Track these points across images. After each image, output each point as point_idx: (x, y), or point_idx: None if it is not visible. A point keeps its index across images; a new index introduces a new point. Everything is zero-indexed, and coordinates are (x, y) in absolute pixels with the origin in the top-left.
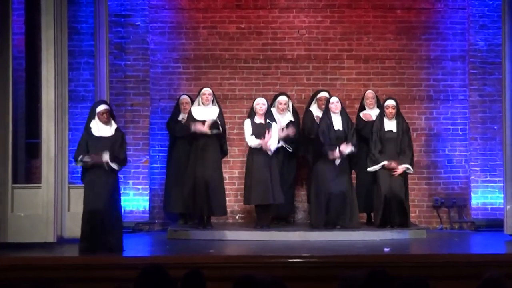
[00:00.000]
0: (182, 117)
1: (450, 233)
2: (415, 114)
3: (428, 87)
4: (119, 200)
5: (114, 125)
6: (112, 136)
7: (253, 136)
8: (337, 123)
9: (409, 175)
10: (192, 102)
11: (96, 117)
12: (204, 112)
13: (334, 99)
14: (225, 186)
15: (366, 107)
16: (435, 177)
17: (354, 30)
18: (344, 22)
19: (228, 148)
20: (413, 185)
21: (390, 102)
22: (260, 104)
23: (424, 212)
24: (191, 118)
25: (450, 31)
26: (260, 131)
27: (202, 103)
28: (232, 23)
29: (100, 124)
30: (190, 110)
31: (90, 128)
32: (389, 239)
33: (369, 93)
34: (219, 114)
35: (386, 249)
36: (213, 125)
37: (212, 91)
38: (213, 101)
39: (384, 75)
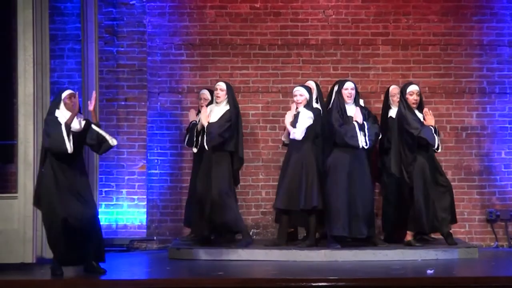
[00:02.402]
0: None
1: (507, 252)
2: (465, 110)
3: (480, 78)
4: (93, 201)
5: (81, 117)
6: (82, 129)
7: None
8: (351, 112)
9: (458, 184)
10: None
11: (61, 105)
12: (214, 112)
13: (349, 85)
14: (237, 197)
15: (392, 105)
16: (489, 185)
17: (391, 10)
18: (378, 0)
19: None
20: (462, 195)
21: (415, 88)
22: (298, 95)
23: (476, 227)
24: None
25: (507, 11)
26: (292, 123)
27: (215, 100)
28: (244, 2)
29: (67, 113)
30: (199, 110)
31: (56, 117)
32: (433, 259)
33: (395, 88)
34: (223, 118)
35: (429, 271)
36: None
37: (228, 86)
38: (227, 99)
39: (427, 64)
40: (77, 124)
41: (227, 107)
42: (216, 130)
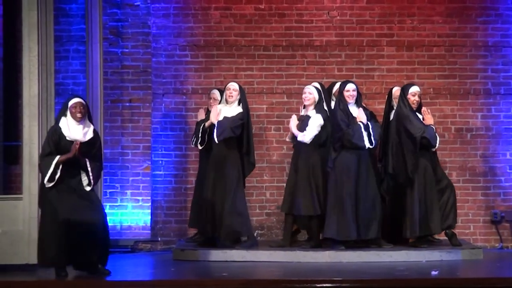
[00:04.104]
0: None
1: None
2: (469, 112)
3: (485, 79)
4: (99, 205)
5: (90, 129)
6: (86, 142)
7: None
8: (354, 113)
9: (462, 185)
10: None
11: (68, 112)
12: (223, 112)
13: (350, 86)
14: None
15: (395, 107)
16: (493, 186)
17: (396, 11)
18: (383, 1)
19: None
20: (467, 196)
21: (417, 89)
22: (307, 93)
23: (481, 228)
24: (205, 120)
25: None
26: (300, 125)
27: (226, 100)
28: (249, 3)
29: (72, 123)
30: (208, 109)
31: (60, 128)
32: (437, 260)
33: (399, 90)
34: (237, 116)
35: (434, 272)
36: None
37: (240, 87)
38: (239, 100)
39: (432, 65)
40: (80, 135)
41: (239, 109)
42: (229, 124)
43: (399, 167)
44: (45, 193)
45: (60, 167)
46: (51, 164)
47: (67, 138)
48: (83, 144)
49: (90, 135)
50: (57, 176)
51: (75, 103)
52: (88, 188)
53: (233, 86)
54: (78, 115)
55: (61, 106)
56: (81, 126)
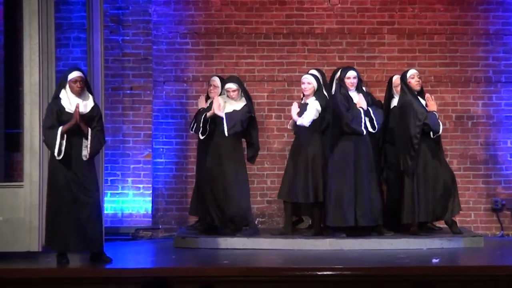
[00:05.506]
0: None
1: None
2: (471, 100)
3: (486, 67)
4: (97, 186)
5: (90, 101)
6: (86, 114)
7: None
8: (355, 99)
9: (463, 173)
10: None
11: (67, 86)
12: (228, 106)
13: (351, 73)
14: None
15: (395, 95)
16: (494, 174)
17: None
18: None
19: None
20: (468, 184)
21: (414, 71)
22: (306, 83)
23: (482, 216)
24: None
25: None
26: (300, 113)
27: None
28: None
29: (72, 96)
30: (208, 96)
31: (60, 99)
32: (438, 248)
33: (399, 78)
34: (244, 109)
35: (434, 260)
36: None
37: (239, 84)
38: (241, 95)
39: (433, 53)
40: (81, 107)
41: (244, 101)
42: (239, 117)
43: (401, 154)
44: (52, 173)
45: (65, 137)
46: (56, 136)
47: (67, 111)
48: (84, 116)
49: (90, 105)
50: (63, 148)
51: (75, 77)
52: (84, 158)
53: (232, 87)
54: (77, 89)
55: (60, 78)
56: (80, 99)
